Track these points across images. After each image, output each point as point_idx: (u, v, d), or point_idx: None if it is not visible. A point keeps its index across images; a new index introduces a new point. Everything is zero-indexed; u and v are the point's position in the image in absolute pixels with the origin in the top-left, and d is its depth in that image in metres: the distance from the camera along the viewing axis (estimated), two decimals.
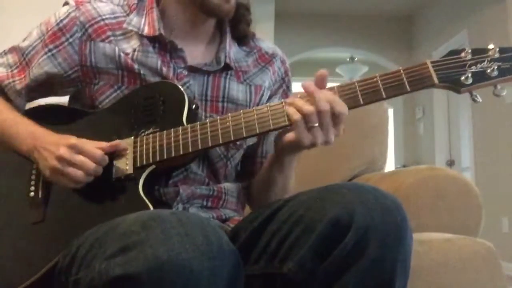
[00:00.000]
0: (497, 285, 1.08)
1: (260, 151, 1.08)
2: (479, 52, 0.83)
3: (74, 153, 0.85)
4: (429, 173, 1.25)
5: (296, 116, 0.81)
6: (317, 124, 0.81)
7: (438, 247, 1.07)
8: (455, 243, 1.10)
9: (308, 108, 0.81)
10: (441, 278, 1.05)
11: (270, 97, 1.08)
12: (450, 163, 5.33)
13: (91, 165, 0.85)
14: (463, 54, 0.83)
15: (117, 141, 0.89)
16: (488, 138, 4.51)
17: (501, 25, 4.31)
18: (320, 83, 0.85)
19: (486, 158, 4.55)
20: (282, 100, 0.86)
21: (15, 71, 1.02)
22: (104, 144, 0.88)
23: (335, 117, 0.81)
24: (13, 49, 1.04)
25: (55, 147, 0.86)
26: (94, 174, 0.86)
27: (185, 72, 0.98)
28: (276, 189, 1.01)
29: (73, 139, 0.87)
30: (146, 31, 0.98)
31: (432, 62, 0.83)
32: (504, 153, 4.25)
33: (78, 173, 0.85)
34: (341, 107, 0.81)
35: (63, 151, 0.85)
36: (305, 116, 0.81)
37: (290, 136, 0.84)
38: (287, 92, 1.11)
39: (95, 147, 0.87)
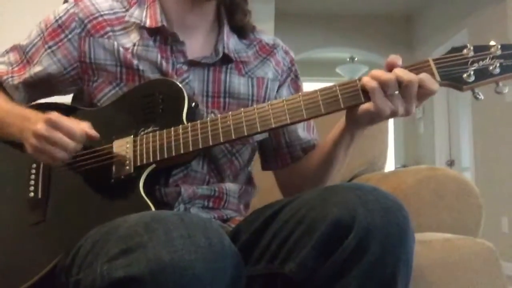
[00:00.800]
0: (497, 285, 1.07)
1: (284, 141, 1.06)
2: (481, 49, 0.82)
3: (51, 129, 0.84)
4: (429, 173, 1.25)
5: (373, 83, 0.80)
6: (397, 92, 0.80)
7: (438, 247, 1.07)
8: (455, 243, 1.10)
9: (387, 75, 0.80)
10: (441, 278, 1.05)
11: (279, 87, 1.07)
12: (450, 163, 5.33)
13: (69, 142, 0.85)
14: (465, 51, 0.82)
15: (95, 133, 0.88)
16: (488, 138, 4.51)
17: (501, 25, 4.31)
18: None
19: (486, 158, 4.55)
20: (283, 98, 0.86)
21: (15, 68, 1.02)
22: (84, 124, 0.87)
23: (422, 91, 0.80)
24: (14, 48, 1.04)
25: (34, 123, 0.86)
26: (72, 151, 0.86)
27: (185, 67, 0.98)
28: (336, 168, 1.00)
29: (52, 114, 0.86)
30: (148, 23, 0.98)
31: (434, 60, 0.82)
32: (504, 153, 4.25)
33: (55, 151, 0.85)
34: (434, 84, 0.80)
35: (40, 127, 0.84)
36: (383, 83, 0.80)
37: (367, 106, 0.82)
38: (296, 80, 1.10)
39: (75, 124, 0.86)
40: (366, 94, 0.81)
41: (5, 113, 0.95)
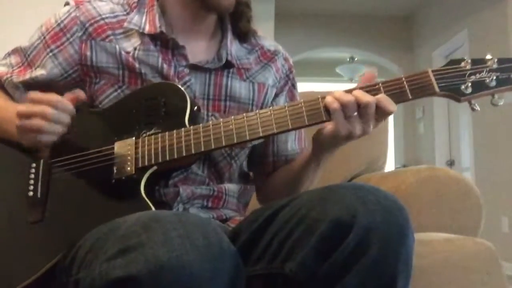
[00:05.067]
0: (497, 285, 1.08)
1: (271, 150, 1.08)
2: (478, 62, 0.85)
3: (31, 105, 0.85)
4: (429, 173, 1.25)
5: (335, 104, 0.83)
6: (355, 114, 0.82)
7: (438, 247, 1.07)
8: (455, 243, 1.10)
9: (347, 97, 0.82)
10: (441, 278, 1.05)
11: (276, 95, 1.08)
12: (450, 163, 5.33)
13: (49, 110, 0.84)
14: (463, 64, 0.85)
15: (79, 91, 0.89)
16: (488, 138, 4.51)
17: (501, 25, 4.31)
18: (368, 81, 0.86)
19: (486, 158, 4.55)
20: (285, 104, 0.87)
21: (16, 70, 1.03)
22: (67, 93, 0.88)
23: (380, 111, 0.83)
24: (16, 51, 1.05)
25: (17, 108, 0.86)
26: (57, 120, 0.86)
27: (187, 71, 0.98)
28: (304, 187, 1.02)
29: (31, 93, 0.86)
30: (147, 29, 0.98)
31: (433, 71, 0.85)
32: (504, 153, 4.25)
33: (39, 122, 0.84)
34: (391, 105, 0.83)
35: (21, 107, 0.85)
36: (343, 105, 0.82)
37: (329, 127, 0.85)
38: (292, 89, 1.11)
39: (55, 95, 0.86)
40: (328, 112, 0.84)
41: (3, 110, 0.95)
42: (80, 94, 0.89)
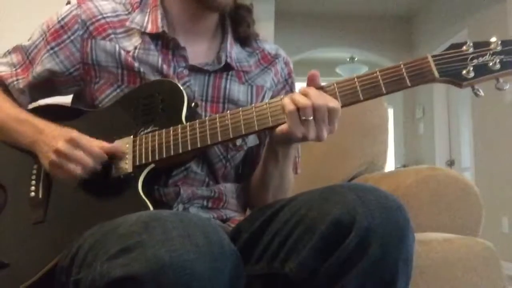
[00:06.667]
0: (497, 285, 1.08)
1: (261, 154, 1.07)
2: (481, 45, 0.81)
3: (72, 148, 0.85)
4: (429, 173, 1.25)
5: (291, 107, 0.82)
6: (311, 118, 0.81)
7: (438, 247, 1.07)
8: (455, 243, 1.10)
9: (304, 101, 0.81)
10: (441, 278, 1.05)
11: (272, 98, 1.08)
12: (450, 163, 5.33)
13: (89, 161, 0.85)
14: (464, 48, 0.81)
15: (117, 144, 0.89)
16: (488, 138, 4.51)
17: (501, 25, 4.31)
18: (312, 83, 0.85)
19: (486, 158, 4.55)
20: (281, 96, 0.86)
21: (19, 70, 1.03)
22: (105, 143, 0.88)
23: (329, 113, 0.81)
24: (17, 49, 1.04)
25: (55, 140, 0.87)
26: (92, 170, 0.86)
27: (186, 72, 0.98)
28: (272, 186, 1.00)
29: (73, 133, 0.87)
30: (149, 28, 0.98)
31: (433, 56, 0.82)
32: (504, 153, 4.25)
33: (75, 168, 0.85)
34: (334, 103, 0.82)
35: (61, 145, 0.85)
36: (300, 108, 0.81)
37: (283, 126, 0.84)
38: (290, 93, 1.11)
39: (95, 144, 0.87)
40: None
41: (15, 122, 0.95)
42: (119, 150, 0.89)
